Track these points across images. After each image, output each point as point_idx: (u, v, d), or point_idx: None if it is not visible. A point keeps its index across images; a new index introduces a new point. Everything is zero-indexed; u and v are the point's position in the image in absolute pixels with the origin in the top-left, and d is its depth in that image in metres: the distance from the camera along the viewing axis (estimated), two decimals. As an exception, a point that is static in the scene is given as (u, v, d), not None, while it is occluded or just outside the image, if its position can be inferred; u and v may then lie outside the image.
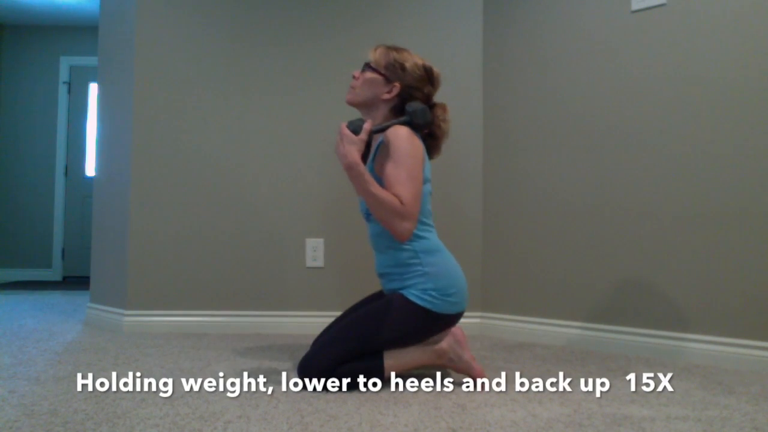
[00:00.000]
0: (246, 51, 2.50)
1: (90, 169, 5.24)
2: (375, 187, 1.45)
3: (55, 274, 5.15)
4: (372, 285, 2.40)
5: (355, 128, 1.49)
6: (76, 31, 5.30)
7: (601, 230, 2.16)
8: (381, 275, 1.65)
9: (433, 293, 1.51)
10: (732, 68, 1.91)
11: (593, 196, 2.19)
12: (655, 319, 2.02)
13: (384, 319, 1.51)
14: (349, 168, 1.45)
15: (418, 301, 1.51)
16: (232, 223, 2.47)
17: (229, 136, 2.48)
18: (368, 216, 1.61)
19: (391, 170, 1.49)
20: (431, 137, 1.68)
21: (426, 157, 1.61)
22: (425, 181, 1.57)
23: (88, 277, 5.11)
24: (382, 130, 1.56)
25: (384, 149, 1.54)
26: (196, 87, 2.48)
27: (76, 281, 4.94)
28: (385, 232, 1.55)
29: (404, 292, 1.54)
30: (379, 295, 1.78)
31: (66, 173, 5.22)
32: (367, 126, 1.50)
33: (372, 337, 1.50)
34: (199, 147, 2.47)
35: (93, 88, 5.26)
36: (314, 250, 2.46)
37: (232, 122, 2.49)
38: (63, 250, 5.18)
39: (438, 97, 2.54)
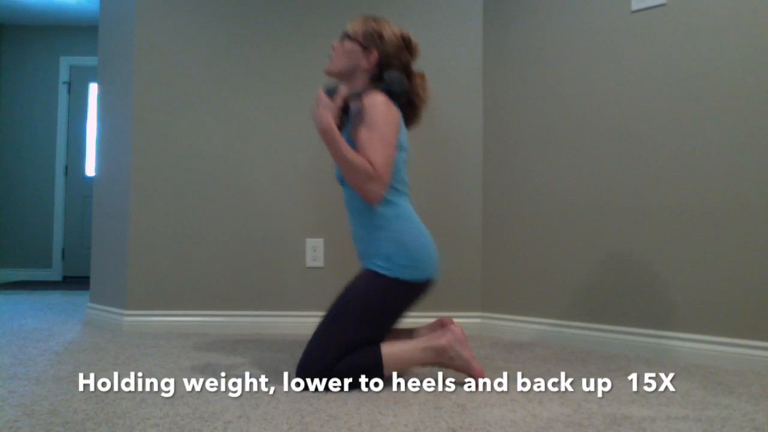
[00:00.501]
0: (246, 51, 2.50)
1: (90, 169, 5.24)
2: (347, 151, 1.49)
3: (55, 274, 5.15)
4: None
5: (331, 93, 1.54)
6: (76, 31, 5.30)
7: (601, 230, 2.16)
8: (355, 239, 1.67)
9: (401, 261, 1.53)
10: (732, 68, 1.91)
11: (593, 196, 2.19)
12: (655, 319, 2.02)
13: (358, 301, 1.52)
14: (323, 132, 1.50)
15: (386, 272, 1.53)
16: (232, 223, 2.47)
17: (229, 136, 2.48)
18: (342, 181, 1.64)
19: (365, 135, 1.52)
20: (410, 105, 1.71)
21: (403, 125, 1.64)
22: (401, 148, 1.60)
23: (88, 277, 5.12)
24: (359, 96, 1.59)
25: (360, 115, 1.57)
26: (196, 87, 2.48)
27: (76, 281, 4.94)
28: (358, 196, 1.58)
29: (370, 265, 1.56)
30: (354, 280, 1.79)
31: (66, 173, 5.22)
32: (342, 91, 1.54)
33: (353, 323, 1.50)
34: (199, 147, 2.47)
35: (93, 88, 5.27)
36: (314, 250, 2.46)
37: (232, 122, 2.49)
38: (63, 250, 5.18)
39: (438, 97, 2.55)
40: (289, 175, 2.48)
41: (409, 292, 1.56)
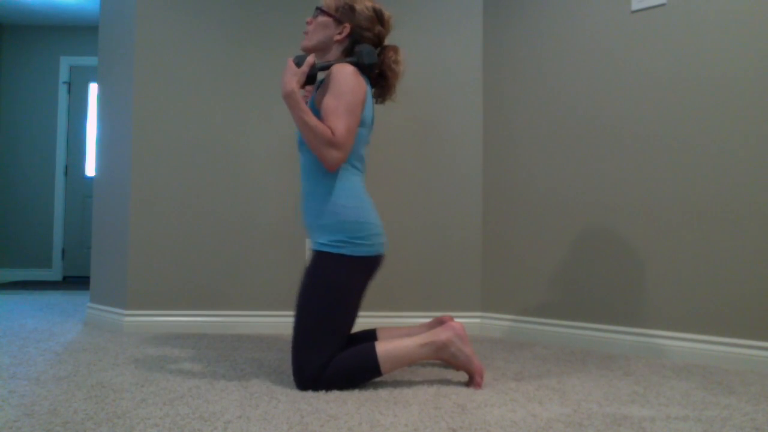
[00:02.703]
0: (246, 51, 2.50)
1: (90, 169, 5.24)
2: (308, 116, 1.50)
3: (55, 274, 5.15)
4: (372, 285, 2.41)
5: (299, 62, 1.56)
6: (76, 31, 5.30)
7: (601, 230, 2.16)
8: (302, 210, 1.67)
9: (342, 237, 1.54)
10: (732, 68, 1.91)
11: (593, 196, 2.19)
12: (655, 319, 2.02)
13: (314, 288, 1.53)
14: (287, 96, 1.51)
15: (329, 249, 1.54)
16: (232, 223, 2.47)
17: (229, 136, 2.48)
18: (301, 146, 1.65)
19: (329, 101, 1.53)
20: (383, 78, 1.72)
21: (370, 100, 1.64)
22: (364, 123, 1.61)
23: (88, 277, 5.12)
24: (328, 67, 1.61)
25: (326, 83, 1.58)
26: (196, 87, 2.48)
27: (76, 281, 4.94)
28: (314, 162, 1.59)
29: (315, 247, 1.57)
30: (305, 270, 1.79)
31: (66, 173, 5.22)
32: (309, 59, 1.55)
33: (318, 312, 1.51)
34: (199, 147, 2.47)
35: (93, 88, 5.27)
36: (314, 250, 2.46)
37: (232, 122, 2.49)
38: (63, 250, 5.18)
39: (438, 97, 2.55)
40: (290, 175, 2.48)
41: (357, 268, 1.55)
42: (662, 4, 2.04)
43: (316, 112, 1.58)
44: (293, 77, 1.52)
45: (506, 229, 2.42)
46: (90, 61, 5.24)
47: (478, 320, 2.46)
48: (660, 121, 2.04)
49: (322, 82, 1.64)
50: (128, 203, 2.45)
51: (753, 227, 1.85)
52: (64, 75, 5.23)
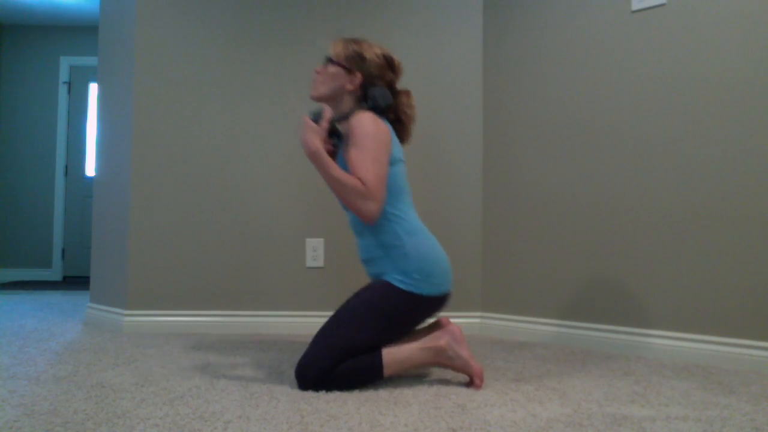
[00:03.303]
0: (246, 51, 2.50)
1: (90, 169, 5.24)
2: (337, 172, 1.49)
3: (55, 274, 5.15)
4: (372, 285, 2.40)
5: (316, 118, 1.55)
6: (76, 31, 5.30)
7: (601, 230, 2.16)
8: (364, 261, 1.66)
9: (416, 275, 1.52)
10: (732, 68, 1.91)
11: (593, 196, 2.19)
12: (655, 319, 2.02)
13: (370, 309, 1.51)
14: (311, 155, 1.51)
15: (402, 286, 1.52)
16: (232, 223, 2.47)
17: (229, 137, 2.48)
18: (345, 205, 1.64)
19: (354, 154, 1.52)
20: (398, 123, 1.71)
21: (394, 138, 1.63)
22: (397, 161, 1.60)
23: (88, 277, 5.12)
24: (346, 118, 1.60)
25: (349, 136, 1.57)
26: (195, 87, 2.48)
27: (76, 281, 4.94)
28: None
29: (386, 278, 1.55)
30: (367, 288, 1.78)
31: (66, 173, 5.22)
32: (326, 114, 1.55)
33: (363, 332, 1.50)
34: (199, 147, 2.47)
35: (93, 88, 5.27)
36: (314, 250, 2.46)
37: (233, 122, 2.49)
38: (63, 250, 5.18)
39: (438, 97, 2.55)
40: (290, 175, 2.48)
41: (424, 306, 1.54)
42: (662, 4, 2.04)
43: (345, 167, 1.57)
44: (315, 135, 1.51)
45: (506, 229, 2.42)
46: (90, 61, 5.24)
47: (478, 320, 2.46)
48: (660, 120, 2.04)
49: (337, 135, 1.62)
50: (128, 203, 2.45)
51: (753, 227, 1.85)
52: (64, 75, 5.23)
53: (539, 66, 2.35)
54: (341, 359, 1.47)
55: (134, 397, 1.40)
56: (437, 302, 1.57)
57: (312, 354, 1.49)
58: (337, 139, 1.67)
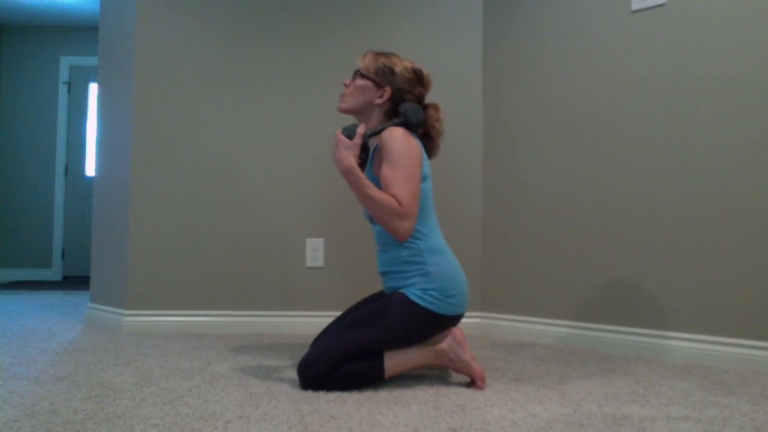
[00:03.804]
0: (246, 51, 2.50)
1: (90, 169, 5.24)
2: (372, 190, 1.47)
3: (55, 274, 5.15)
4: (372, 285, 2.40)
5: (349, 133, 1.53)
6: (76, 31, 5.30)
7: (601, 230, 2.16)
8: (383, 274, 1.66)
9: (434, 293, 1.52)
10: (732, 68, 1.91)
11: (593, 196, 2.19)
12: (655, 319, 2.02)
13: (384, 319, 1.51)
14: (346, 172, 1.48)
15: (419, 301, 1.51)
16: (232, 223, 2.47)
17: (229, 137, 2.48)
18: (371, 218, 1.63)
19: (388, 171, 1.50)
20: (427, 138, 1.70)
21: (424, 155, 1.63)
22: (425, 178, 1.58)
23: (88, 277, 5.11)
24: (378, 133, 1.58)
25: (380, 151, 1.55)
26: (195, 87, 2.48)
27: (76, 281, 4.94)
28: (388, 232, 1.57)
29: (405, 291, 1.54)
30: (379, 295, 1.78)
31: (66, 173, 5.22)
32: (360, 130, 1.53)
33: (372, 338, 1.50)
34: (199, 147, 2.47)
35: (93, 88, 5.27)
36: (314, 250, 2.46)
37: (232, 122, 2.49)
38: (63, 250, 5.18)
39: (438, 97, 2.55)
40: (289, 175, 2.48)
41: (438, 323, 1.54)
42: (662, 4, 2.04)
43: (375, 180, 1.55)
44: (348, 152, 1.49)
45: (506, 229, 2.42)
46: (90, 61, 5.24)
47: (478, 320, 2.46)
48: (660, 120, 2.04)
49: (375, 149, 1.61)
50: (128, 203, 2.45)
51: (753, 227, 1.85)
52: (64, 75, 5.23)
53: (539, 66, 2.35)
54: (345, 360, 1.47)
55: (134, 397, 1.40)
56: (451, 321, 1.57)
57: (317, 352, 1.49)
58: (364, 154, 1.64)
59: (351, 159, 1.48)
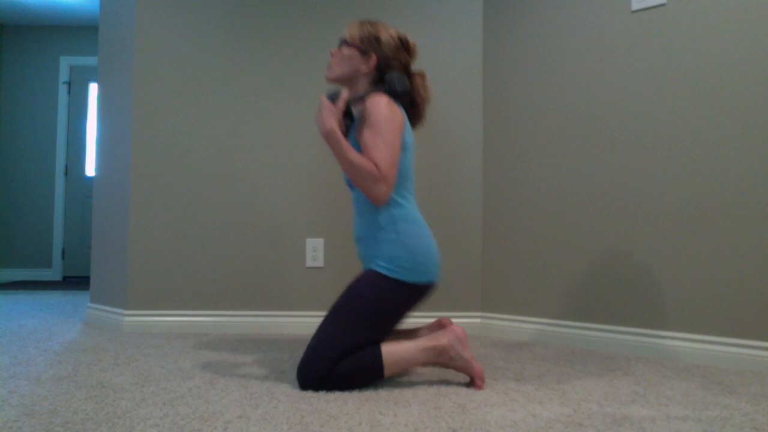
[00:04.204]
0: (246, 51, 2.50)
1: (90, 169, 5.24)
2: (351, 153, 1.50)
3: (55, 274, 5.15)
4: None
5: (333, 98, 1.56)
6: (76, 31, 5.30)
7: (601, 230, 2.17)
8: (358, 239, 1.68)
9: (404, 262, 1.54)
10: (732, 68, 1.91)
11: (593, 196, 2.19)
12: (655, 319, 2.02)
13: (359, 303, 1.52)
14: (327, 135, 1.51)
15: (389, 273, 1.53)
16: (232, 223, 2.47)
17: (229, 136, 2.49)
18: (351, 183, 1.65)
19: (368, 136, 1.53)
20: (413, 105, 1.72)
21: (408, 125, 1.64)
22: (406, 148, 1.61)
23: (88, 277, 5.12)
24: (361, 99, 1.61)
25: (363, 117, 1.57)
26: (196, 87, 2.48)
27: (76, 281, 4.94)
28: (368, 199, 1.59)
29: (373, 266, 1.57)
30: (356, 281, 1.79)
31: (66, 173, 5.22)
32: (344, 95, 1.55)
33: (354, 326, 1.50)
34: (199, 147, 2.47)
35: (93, 88, 5.27)
36: (314, 250, 2.46)
37: (232, 122, 2.49)
38: (63, 250, 5.18)
39: (438, 97, 2.55)
40: (290, 175, 2.48)
41: (411, 294, 1.56)
42: (662, 4, 2.04)
43: (357, 147, 1.58)
44: (330, 115, 1.51)
45: (506, 229, 2.42)
46: (90, 61, 5.24)
47: (478, 320, 2.46)
48: (660, 120, 2.04)
49: (358, 116, 1.63)
50: (128, 203, 2.45)
51: (753, 227, 1.85)
52: (64, 75, 5.23)
53: (539, 66, 2.35)
54: (339, 357, 1.48)
55: (134, 397, 1.40)
56: (424, 290, 1.58)
57: (310, 355, 1.50)
58: (349, 120, 1.67)
59: (332, 122, 1.51)
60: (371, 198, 1.54)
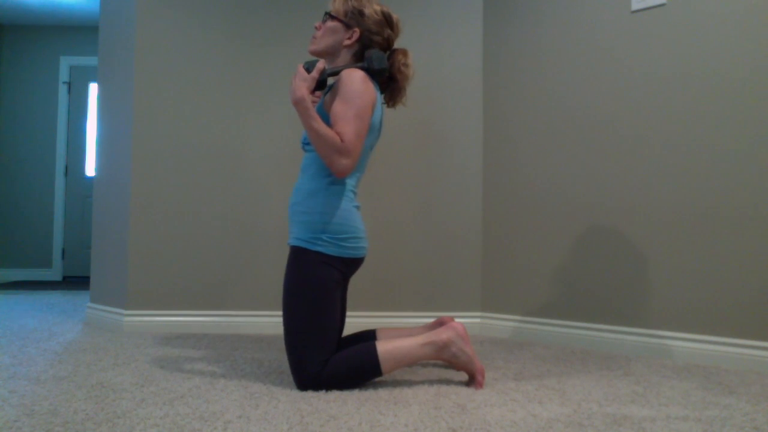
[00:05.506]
0: (246, 51, 2.50)
1: (90, 169, 5.24)
2: (318, 123, 1.50)
3: (55, 274, 5.15)
4: (372, 284, 2.41)
5: (309, 67, 1.56)
6: (76, 31, 5.30)
7: (601, 230, 2.16)
8: (290, 205, 1.67)
9: (324, 236, 1.54)
10: (732, 68, 1.91)
11: (593, 196, 2.19)
12: (654, 319, 2.02)
13: (294, 291, 1.53)
14: (296, 102, 1.51)
15: (310, 246, 1.54)
16: (232, 223, 2.47)
17: (229, 136, 2.48)
18: (305, 145, 1.65)
19: (338, 107, 1.53)
20: (393, 81, 1.72)
21: (378, 105, 1.64)
22: (372, 130, 1.61)
23: (88, 277, 5.11)
24: (338, 72, 1.60)
25: (335, 89, 1.57)
26: (195, 87, 2.48)
27: (76, 281, 4.94)
28: (315, 163, 1.59)
29: (291, 242, 1.58)
30: (286, 270, 1.79)
31: (66, 173, 5.22)
32: (320, 65, 1.55)
33: (299, 309, 1.51)
34: (199, 147, 2.47)
35: (93, 88, 5.27)
36: (314, 250, 2.46)
37: (232, 122, 2.49)
38: (63, 250, 5.18)
39: (438, 97, 2.55)
40: (290, 175, 2.48)
41: (332, 265, 1.55)
42: (662, 4, 2.04)
43: (325, 116, 1.58)
44: (303, 83, 1.51)
45: (506, 229, 2.42)
46: (90, 61, 5.24)
47: (478, 320, 2.46)
48: (660, 120, 2.04)
49: (331, 86, 1.63)
50: (128, 203, 2.45)
51: (753, 227, 1.85)
52: (64, 75, 5.23)
53: (539, 65, 2.35)
54: (319, 345, 1.48)
55: (134, 397, 1.40)
56: (346, 264, 1.58)
57: (289, 358, 1.52)
58: (323, 91, 1.68)
59: (304, 90, 1.50)
60: (332, 169, 1.52)
